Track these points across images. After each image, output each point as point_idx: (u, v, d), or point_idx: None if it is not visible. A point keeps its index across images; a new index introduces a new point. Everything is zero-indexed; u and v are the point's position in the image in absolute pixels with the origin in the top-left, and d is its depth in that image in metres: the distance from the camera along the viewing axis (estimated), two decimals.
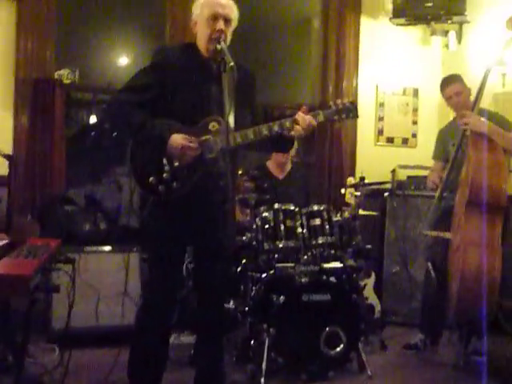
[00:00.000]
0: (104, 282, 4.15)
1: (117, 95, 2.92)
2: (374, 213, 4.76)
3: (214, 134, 2.79)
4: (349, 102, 2.96)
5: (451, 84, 4.08)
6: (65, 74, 4.78)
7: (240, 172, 4.03)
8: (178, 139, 2.73)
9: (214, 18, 2.80)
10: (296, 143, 4.53)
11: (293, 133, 2.85)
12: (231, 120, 2.78)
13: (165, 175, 2.76)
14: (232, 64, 2.62)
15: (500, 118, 3.97)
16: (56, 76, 4.76)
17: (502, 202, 3.56)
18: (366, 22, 5.62)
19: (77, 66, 4.86)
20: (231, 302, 3.94)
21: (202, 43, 2.87)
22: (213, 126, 2.81)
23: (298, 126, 2.82)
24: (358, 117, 2.98)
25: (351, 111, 2.94)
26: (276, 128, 2.82)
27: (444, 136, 4.30)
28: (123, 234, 4.41)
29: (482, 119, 3.80)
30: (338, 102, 2.95)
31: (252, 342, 3.72)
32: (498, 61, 3.88)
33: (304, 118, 2.82)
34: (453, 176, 3.95)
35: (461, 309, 3.63)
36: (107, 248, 4.32)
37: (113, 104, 2.94)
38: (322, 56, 5.66)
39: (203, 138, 2.79)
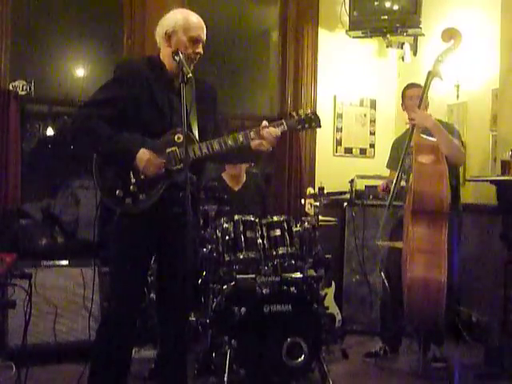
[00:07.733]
0: (62, 296, 4.08)
1: (81, 109, 2.86)
2: (333, 219, 4.80)
3: (180, 146, 2.79)
4: (311, 112, 2.98)
5: (418, 87, 4.22)
6: (20, 86, 4.70)
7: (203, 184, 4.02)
8: (145, 153, 2.73)
9: (196, 41, 2.82)
10: None
11: (259, 147, 2.85)
12: (196, 132, 2.80)
13: (131, 188, 2.76)
14: (190, 75, 2.62)
15: (447, 126, 4.08)
16: (11, 87, 4.67)
17: (445, 208, 3.63)
18: (323, 35, 5.68)
19: (32, 78, 4.78)
20: (192, 315, 3.91)
21: (170, 59, 2.83)
22: (178, 137, 2.81)
23: (263, 141, 2.83)
24: (320, 126, 3.01)
25: (314, 121, 2.96)
26: (241, 139, 2.84)
27: (398, 145, 4.38)
28: (81, 248, 4.33)
29: (428, 115, 3.95)
30: (301, 111, 2.97)
31: (213, 354, 3.70)
32: (435, 70, 3.93)
33: (269, 131, 2.84)
34: (402, 185, 4.02)
35: (411, 315, 3.68)
36: (65, 262, 4.23)
37: (77, 118, 2.84)
38: (280, 68, 5.71)
39: (169, 149, 2.79)
